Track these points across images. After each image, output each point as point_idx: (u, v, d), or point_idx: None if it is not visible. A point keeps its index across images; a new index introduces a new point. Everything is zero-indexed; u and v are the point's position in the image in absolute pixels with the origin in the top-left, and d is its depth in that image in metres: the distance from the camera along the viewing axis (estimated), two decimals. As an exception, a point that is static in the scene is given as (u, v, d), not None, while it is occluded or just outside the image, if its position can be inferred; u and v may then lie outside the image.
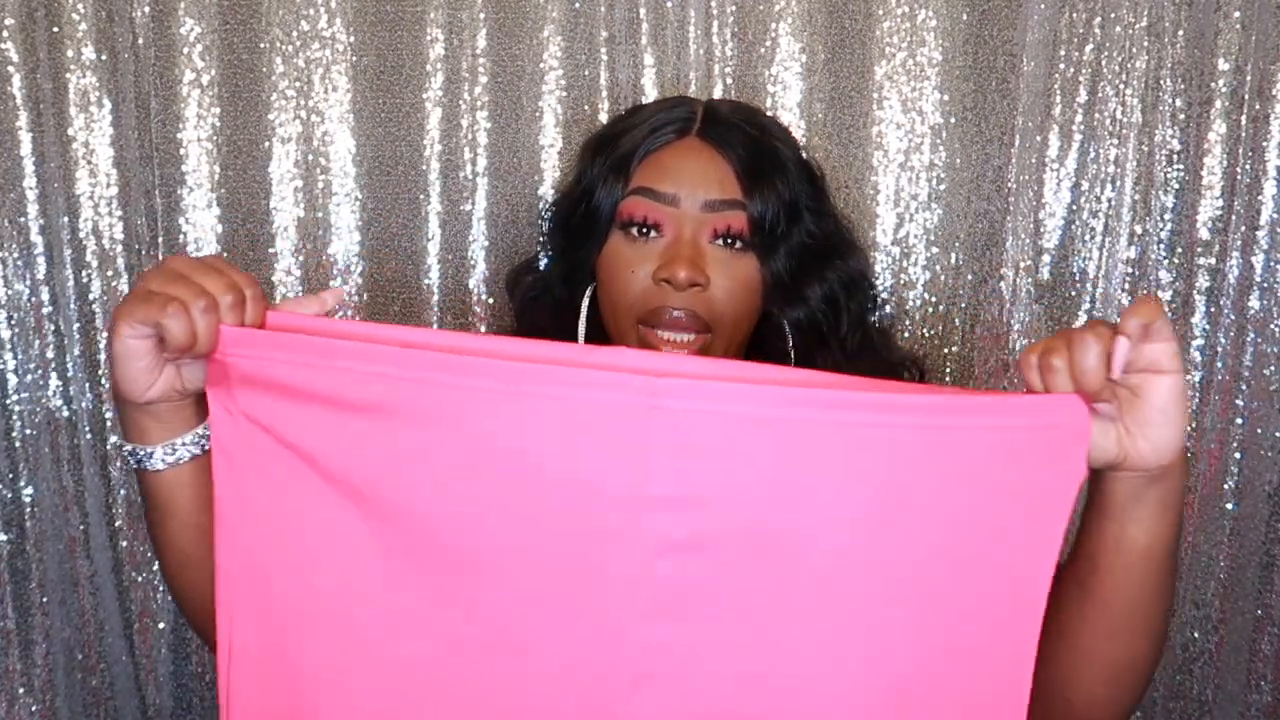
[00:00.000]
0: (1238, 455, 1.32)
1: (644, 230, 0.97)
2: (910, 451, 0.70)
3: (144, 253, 1.30)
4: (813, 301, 1.02)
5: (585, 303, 1.04)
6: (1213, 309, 1.30)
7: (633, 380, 0.71)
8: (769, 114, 1.15)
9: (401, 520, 0.74)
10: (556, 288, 1.09)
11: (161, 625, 1.36)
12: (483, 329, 1.32)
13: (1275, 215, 1.28)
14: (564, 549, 0.73)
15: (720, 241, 0.97)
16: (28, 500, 1.32)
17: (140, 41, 1.26)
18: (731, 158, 0.98)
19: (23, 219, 1.28)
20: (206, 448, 0.79)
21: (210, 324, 0.73)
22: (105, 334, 1.31)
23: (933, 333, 1.32)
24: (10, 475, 1.32)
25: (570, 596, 0.73)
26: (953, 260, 1.31)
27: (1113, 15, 1.26)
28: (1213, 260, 1.30)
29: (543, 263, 1.18)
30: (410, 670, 0.75)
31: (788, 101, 1.29)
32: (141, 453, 0.78)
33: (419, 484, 0.73)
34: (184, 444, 0.78)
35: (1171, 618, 0.80)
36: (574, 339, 1.05)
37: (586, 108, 1.29)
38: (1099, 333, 0.69)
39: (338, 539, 0.75)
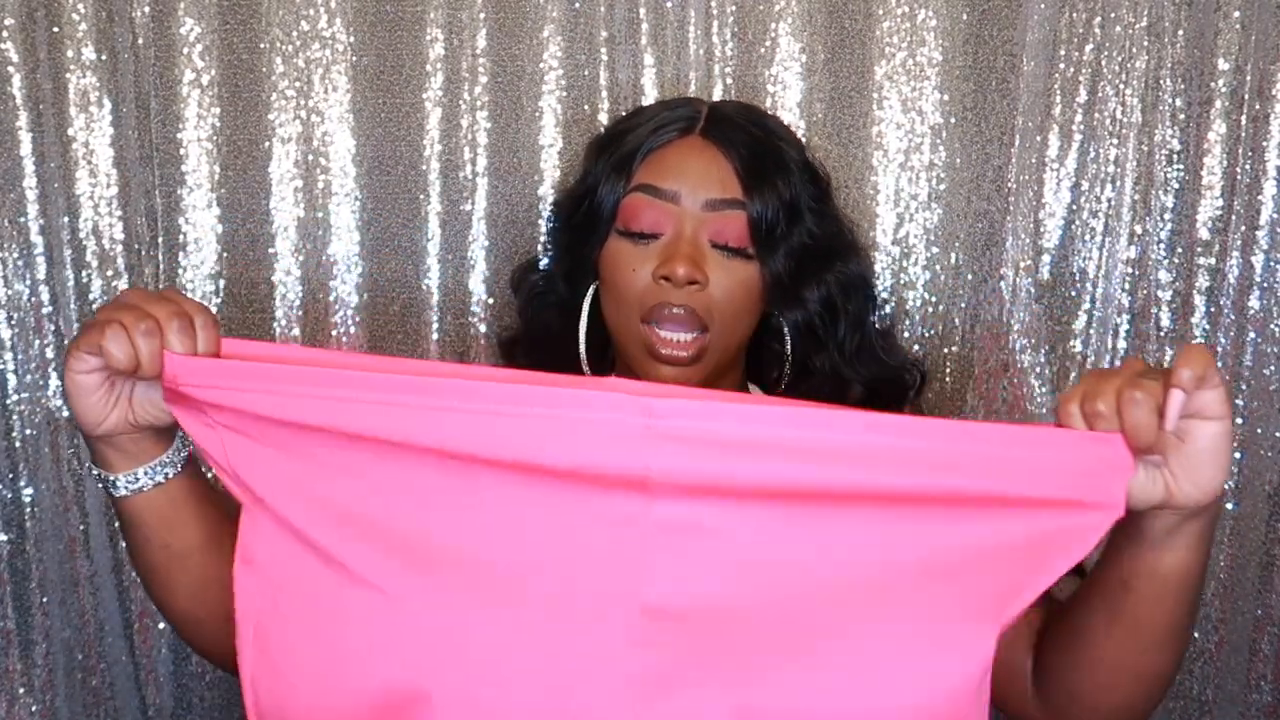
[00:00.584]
0: (1238, 455, 1.32)
1: (644, 238, 0.98)
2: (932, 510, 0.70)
3: (144, 253, 1.30)
4: (810, 304, 1.02)
5: (587, 301, 1.04)
6: (1213, 309, 1.30)
7: (629, 401, 0.70)
8: (773, 115, 1.15)
9: (396, 541, 0.74)
10: (560, 286, 1.09)
11: (161, 625, 1.35)
12: (483, 329, 1.32)
13: (1275, 215, 1.28)
14: (560, 564, 0.73)
15: (721, 250, 0.98)
16: (28, 500, 1.32)
17: (140, 41, 1.26)
18: (733, 156, 0.98)
19: (23, 219, 1.28)
20: (170, 475, 0.81)
21: (152, 347, 0.74)
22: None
23: (933, 333, 1.32)
24: (10, 475, 1.32)
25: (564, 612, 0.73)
26: (953, 260, 1.31)
27: (1113, 15, 1.26)
28: (1213, 260, 1.29)
29: (544, 262, 1.18)
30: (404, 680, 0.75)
31: (788, 101, 1.29)
32: (106, 478, 0.81)
33: (407, 507, 0.74)
34: (144, 473, 0.81)
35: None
36: (576, 337, 1.05)
37: (586, 108, 1.29)
38: (1148, 387, 0.67)
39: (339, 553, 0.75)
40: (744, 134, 1.00)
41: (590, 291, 1.04)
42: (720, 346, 0.99)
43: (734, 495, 0.71)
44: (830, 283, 1.03)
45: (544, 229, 1.28)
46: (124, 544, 0.87)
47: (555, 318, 1.11)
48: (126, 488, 0.80)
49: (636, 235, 0.98)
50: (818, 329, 1.03)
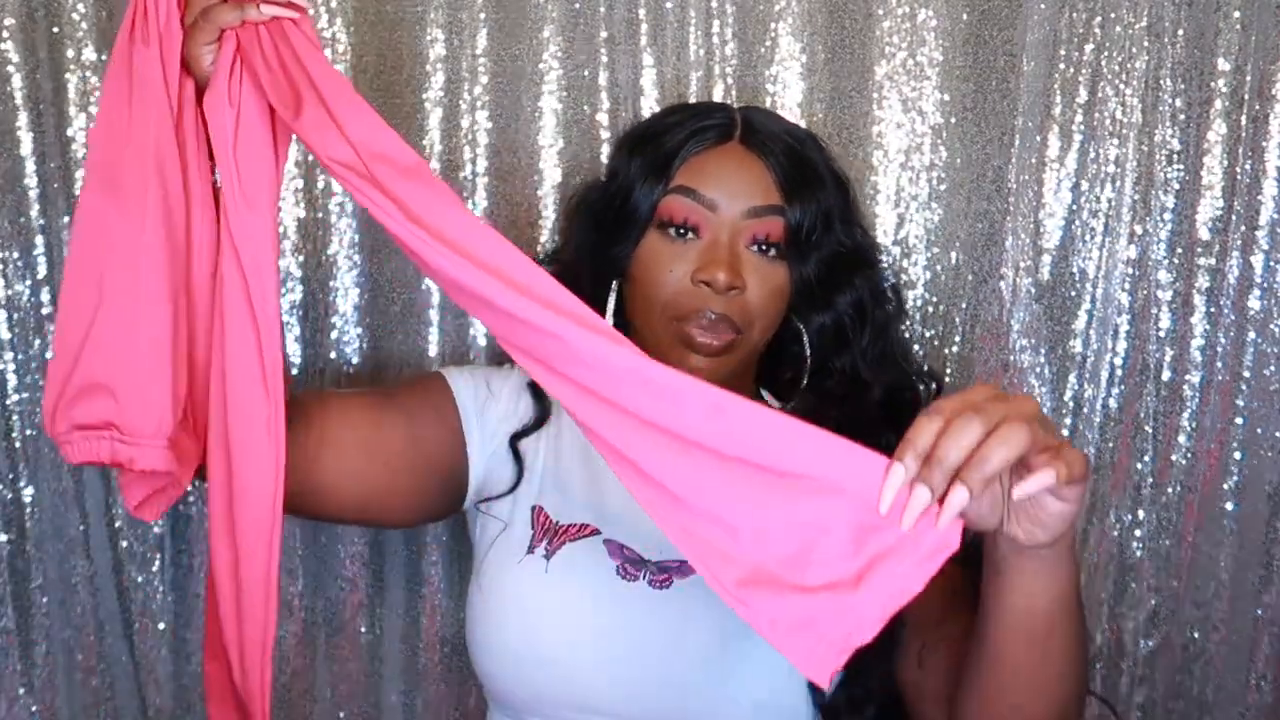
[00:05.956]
0: (1238, 455, 1.32)
1: (682, 231, 0.98)
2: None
3: (144, 253, 1.30)
4: (840, 307, 1.03)
5: (612, 298, 1.04)
6: (1213, 309, 1.30)
7: None
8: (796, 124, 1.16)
9: None
10: (583, 282, 1.09)
11: (161, 625, 1.36)
12: (483, 329, 1.32)
13: (1275, 215, 1.28)
14: None
15: (756, 248, 0.98)
16: (28, 500, 1.32)
17: (140, 41, 1.26)
18: (773, 166, 0.99)
19: (23, 219, 1.28)
20: None
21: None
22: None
23: (933, 333, 1.32)
24: (10, 475, 1.32)
25: None
26: (953, 260, 1.31)
27: (1113, 15, 1.26)
28: (1213, 260, 1.29)
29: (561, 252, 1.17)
30: None
31: (788, 101, 1.29)
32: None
33: None
34: None
35: (1081, 680, 0.79)
36: None
37: (586, 108, 1.29)
38: (998, 455, 0.65)
39: None
40: (781, 143, 1.00)
41: (614, 289, 1.04)
42: (749, 346, 1.01)
43: None
44: (861, 288, 1.04)
45: (555, 226, 1.28)
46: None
47: None
48: None
49: (674, 237, 0.98)
50: (846, 330, 1.04)
